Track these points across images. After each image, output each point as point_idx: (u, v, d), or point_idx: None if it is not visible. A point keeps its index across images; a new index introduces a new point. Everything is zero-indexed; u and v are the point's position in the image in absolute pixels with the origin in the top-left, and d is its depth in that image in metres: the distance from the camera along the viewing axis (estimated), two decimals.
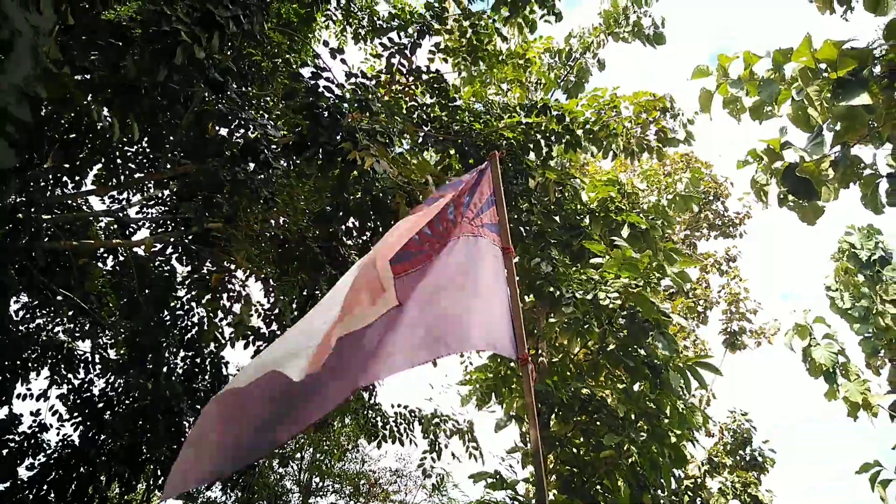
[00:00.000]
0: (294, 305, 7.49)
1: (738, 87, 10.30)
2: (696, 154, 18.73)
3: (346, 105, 6.47)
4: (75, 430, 9.55)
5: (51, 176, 8.87)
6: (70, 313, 9.58)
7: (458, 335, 3.65)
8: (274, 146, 7.61)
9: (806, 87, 8.84)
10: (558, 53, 11.84)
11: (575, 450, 8.60)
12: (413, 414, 10.70)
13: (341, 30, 10.06)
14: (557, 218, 9.77)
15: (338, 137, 6.20)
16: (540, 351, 9.56)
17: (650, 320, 8.15)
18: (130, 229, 10.03)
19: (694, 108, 10.91)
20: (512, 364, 9.64)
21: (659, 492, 8.41)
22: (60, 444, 9.94)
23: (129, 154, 9.06)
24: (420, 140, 7.73)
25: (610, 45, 11.82)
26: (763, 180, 9.71)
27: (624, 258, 8.21)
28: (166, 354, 9.51)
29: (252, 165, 6.54)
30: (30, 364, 9.82)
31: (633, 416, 8.23)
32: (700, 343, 17.50)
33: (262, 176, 6.62)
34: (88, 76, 5.93)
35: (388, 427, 10.57)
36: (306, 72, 7.03)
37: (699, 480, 14.98)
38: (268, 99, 7.19)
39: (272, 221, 7.17)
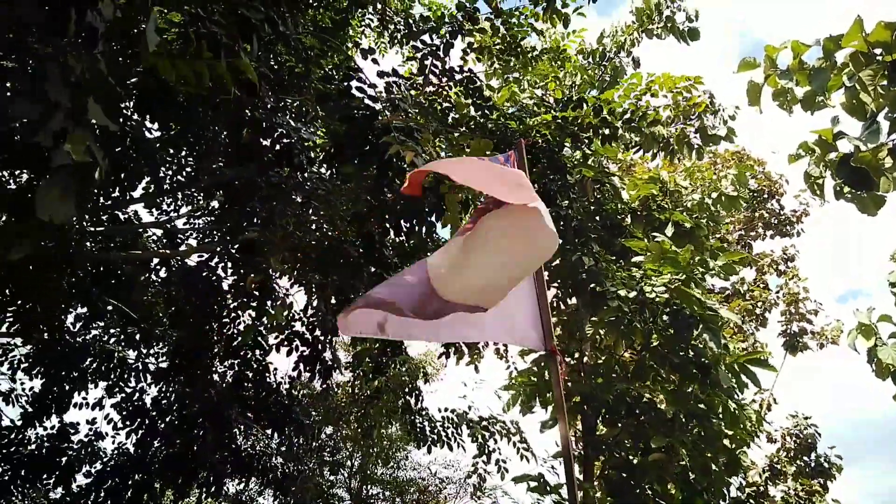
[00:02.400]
0: (334, 308, 7.49)
1: (788, 77, 9.91)
2: (748, 151, 18.25)
3: (378, 105, 6.47)
4: (127, 438, 9.77)
5: (100, 189, 9.15)
6: (122, 323, 9.83)
7: (480, 326, 3.59)
8: (312, 152, 7.68)
9: (858, 73, 8.45)
10: (592, 54, 11.67)
11: (623, 454, 8.37)
12: (461, 417, 10.62)
13: (378, 35, 10.11)
14: (598, 217, 9.58)
15: (371, 138, 6.20)
16: (584, 353, 9.37)
17: (695, 316, 7.89)
18: (179, 239, 10.25)
19: (731, 103, 10.56)
20: None
21: (713, 499, 8.10)
22: (116, 451, 10.21)
23: (173, 165, 9.29)
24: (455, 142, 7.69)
25: (642, 44, 11.59)
26: (817, 173, 9.30)
27: (663, 252, 7.98)
28: (214, 362, 9.66)
29: (287, 170, 6.59)
30: (88, 375, 10.11)
31: (682, 418, 7.96)
32: (759, 345, 16.92)
33: (299, 179, 6.67)
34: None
35: (435, 431, 10.51)
36: (339, 74, 7.07)
37: (761, 488, 14.42)
38: (301, 106, 7.25)
39: (312, 225, 7.21)
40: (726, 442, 8.25)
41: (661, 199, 10.23)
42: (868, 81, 8.71)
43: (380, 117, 6.34)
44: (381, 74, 6.74)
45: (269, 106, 6.27)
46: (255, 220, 6.43)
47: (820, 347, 16.69)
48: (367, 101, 6.44)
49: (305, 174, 6.55)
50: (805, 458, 14.97)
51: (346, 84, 6.45)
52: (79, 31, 3.94)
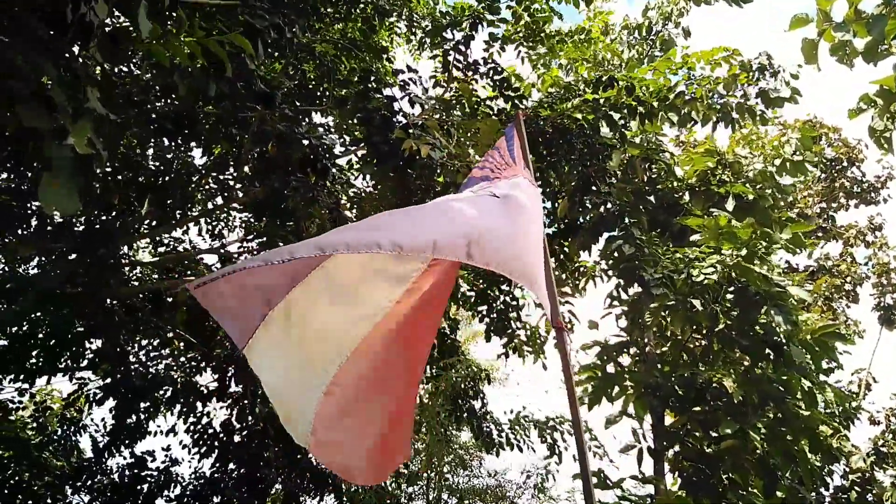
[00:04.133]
0: None
1: (844, 29, 9.26)
2: (821, 119, 17.24)
3: (396, 105, 6.39)
4: (199, 462, 9.97)
5: (153, 221, 9.45)
6: (182, 349, 10.09)
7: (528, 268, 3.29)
8: (343, 158, 7.66)
9: None
10: (637, 29, 11.22)
11: (696, 443, 7.90)
12: (527, 419, 10.36)
13: (407, 41, 10.04)
14: (652, 198, 9.15)
15: (390, 138, 6.12)
16: (647, 340, 8.94)
17: (761, 293, 7.38)
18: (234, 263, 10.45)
19: (794, 64, 9.94)
20: (620, 360, 9.07)
21: (799, 486, 7.53)
22: (193, 475, 10.44)
23: (221, 187, 9.50)
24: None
25: (693, 15, 11.08)
26: (881, 126, 8.65)
27: (720, 227, 7.51)
28: None
29: (313, 177, 6.57)
30: (160, 403, 10.40)
31: (755, 401, 7.44)
32: (852, 323, 15.85)
33: (326, 185, 6.65)
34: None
35: (503, 435, 10.27)
36: (356, 77, 7.03)
37: (867, 474, 13.40)
38: (324, 113, 7.25)
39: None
40: (811, 426, 7.65)
41: (720, 172, 9.70)
42: None
43: (399, 117, 6.25)
44: (395, 72, 6.66)
45: (288, 115, 6.27)
46: (283, 231, 6.43)
47: None
48: (384, 100, 6.36)
49: (331, 179, 6.50)
50: None
51: (362, 88, 6.38)
52: (75, 28, 4.00)
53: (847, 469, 13.59)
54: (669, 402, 8.10)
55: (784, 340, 7.59)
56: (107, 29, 4.28)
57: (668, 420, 8.57)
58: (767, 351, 7.68)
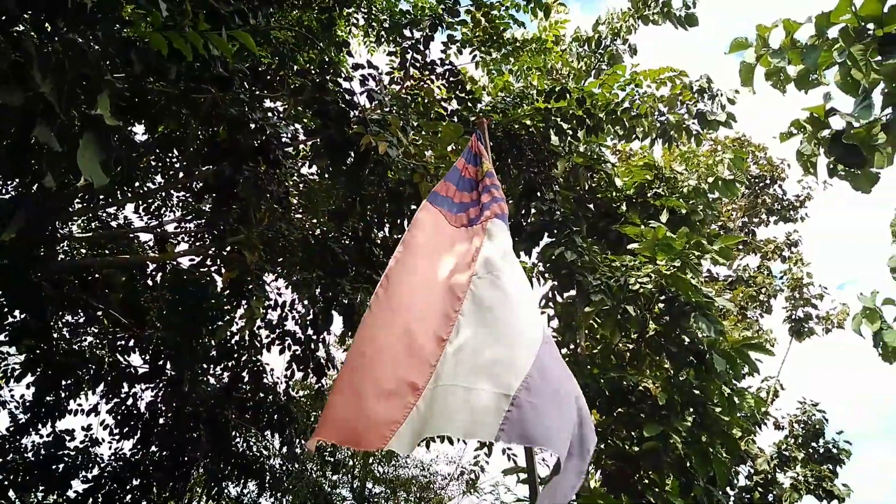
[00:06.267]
0: (320, 306, 7.40)
1: (780, 56, 9.76)
2: (749, 137, 18.07)
3: (354, 97, 6.40)
4: (118, 442, 9.76)
5: (86, 195, 9.12)
6: (112, 329, 9.79)
7: None
8: (292, 148, 7.59)
9: (848, 48, 8.29)
10: (587, 41, 11.52)
11: (619, 443, 8.26)
12: None
13: (364, 35, 9.99)
14: (592, 206, 9.46)
15: (346, 130, 6.13)
16: (578, 342, 9.25)
17: (691, 303, 7.77)
18: (172, 243, 10.19)
19: (730, 88, 10.43)
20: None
21: (711, 486, 7.97)
22: (112, 457, 10.19)
23: (160, 167, 9.26)
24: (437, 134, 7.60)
25: (640, 32, 11.46)
26: (809, 151, 9.19)
27: (657, 238, 7.85)
28: (205, 365, 9.61)
29: (263, 166, 6.51)
30: (82, 382, 10.06)
31: (677, 405, 7.84)
32: (764, 332, 16.74)
33: (276, 175, 6.60)
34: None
35: None
36: (313, 68, 6.99)
37: (769, 476, 14.25)
38: (277, 100, 7.18)
39: (294, 222, 7.13)
40: (727, 429, 8.11)
41: (656, 186, 10.09)
42: (859, 56, 8.49)
43: (355, 111, 6.26)
44: (355, 67, 6.66)
45: (242, 100, 6.18)
46: (231, 218, 6.35)
47: (826, 332, 16.51)
48: (341, 92, 6.35)
49: (282, 169, 6.46)
50: (813, 444, 14.79)
51: (319, 79, 6.36)
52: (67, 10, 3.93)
53: (752, 470, 14.40)
54: (597, 403, 8.42)
55: (706, 349, 8.00)
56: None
57: (595, 420, 8.89)
58: (691, 358, 8.09)
